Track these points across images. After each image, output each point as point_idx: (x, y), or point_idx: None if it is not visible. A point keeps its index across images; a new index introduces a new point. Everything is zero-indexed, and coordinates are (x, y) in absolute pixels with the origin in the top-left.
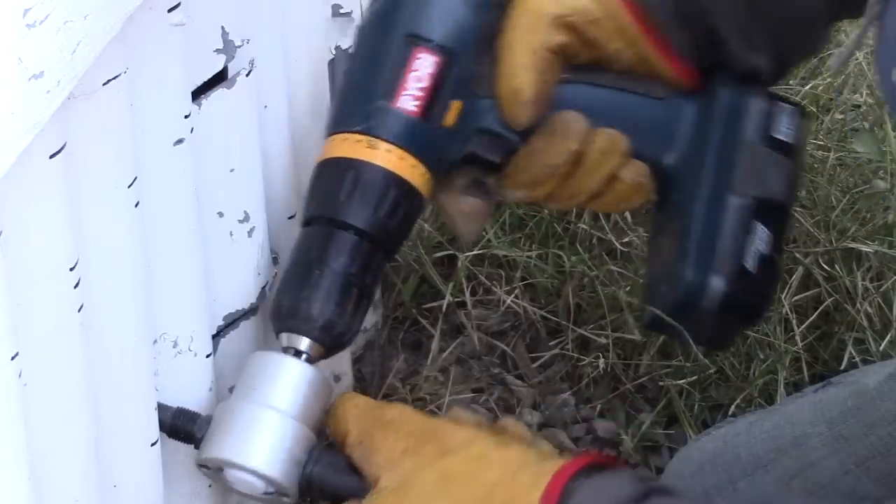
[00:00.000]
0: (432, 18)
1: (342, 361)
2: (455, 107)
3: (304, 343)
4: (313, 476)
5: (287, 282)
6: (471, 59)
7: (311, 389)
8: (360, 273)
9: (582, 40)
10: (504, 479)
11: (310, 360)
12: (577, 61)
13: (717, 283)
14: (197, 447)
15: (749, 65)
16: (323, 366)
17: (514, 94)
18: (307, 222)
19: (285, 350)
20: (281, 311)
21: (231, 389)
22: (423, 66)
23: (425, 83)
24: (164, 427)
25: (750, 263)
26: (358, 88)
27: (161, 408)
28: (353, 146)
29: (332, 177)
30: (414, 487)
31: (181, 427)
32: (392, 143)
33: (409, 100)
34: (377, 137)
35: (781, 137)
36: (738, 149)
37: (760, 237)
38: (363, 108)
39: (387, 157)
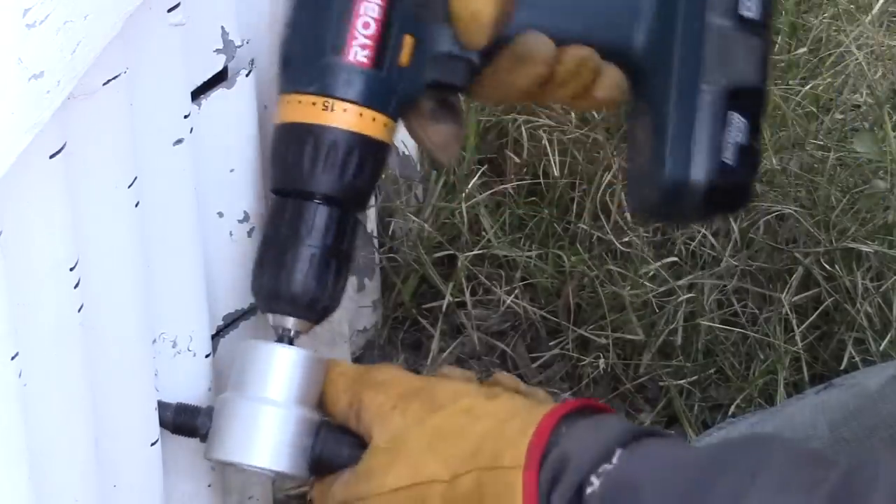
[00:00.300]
0: None
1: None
2: (408, 42)
3: (290, 321)
4: (322, 455)
5: (264, 261)
6: None
7: (305, 372)
8: (335, 242)
9: None
10: (493, 431)
11: (299, 335)
12: None
13: (696, 182)
14: (202, 440)
15: None
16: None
17: (472, 17)
18: (275, 192)
19: (274, 329)
20: (262, 292)
21: None
22: (369, 10)
23: (373, 29)
24: (166, 424)
25: (728, 156)
26: (305, 41)
27: (161, 405)
28: (308, 109)
29: (293, 145)
30: (406, 445)
31: (184, 423)
32: (348, 100)
33: (358, 51)
34: (332, 97)
35: (748, 14)
36: (704, 35)
37: (737, 127)
38: (313, 65)
39: (344, 117)
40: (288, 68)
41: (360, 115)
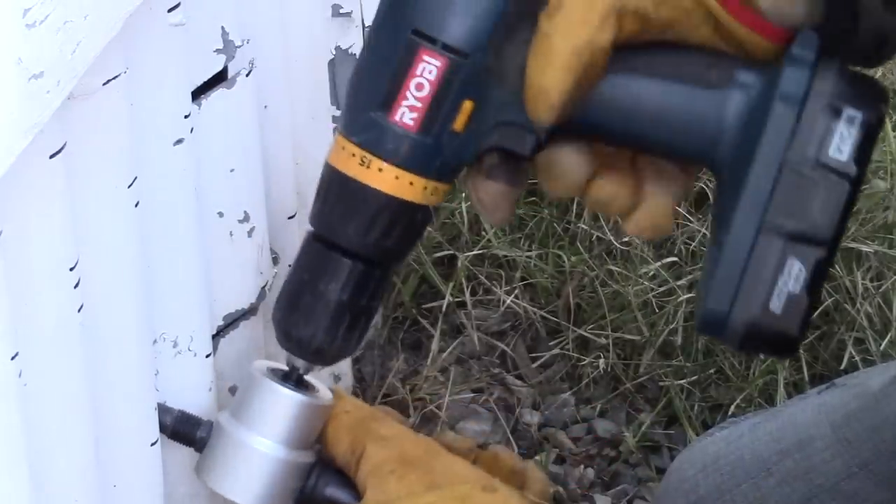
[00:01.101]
0: (443, 12)
1: (342, 362)
2: (466, 108)
3: (299, 361)
4: (315, 495)
5: (282, 298)
6: (488, 55)
7: (305, 418)
8: (353, 297)
9: (644, 25)
10: None
11: (309, 371)
12: (635, 43)
13: (734, 323)
14: (198, 450)
15: (877, 30)
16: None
17: (541, 94)
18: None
19: (286, 360)
20: (276, 326)
21: (231, 390)
22: (426, 72)
23: (426, 91)
24: (164, 429)
25: (776, 304)
26: (360, 90)
27: (163, 409)
28: (348, 160)
29: (329, 190)
30: None
31: (182, 432)
32: (386, 161)
33: (406, 112)
34: (371, 154)
35: (838, 157)
36: (781, 172)
37: (794, 275)
38: (361, 115)
39: (379, 177)
40: (343, 109)
41: (397, 177)
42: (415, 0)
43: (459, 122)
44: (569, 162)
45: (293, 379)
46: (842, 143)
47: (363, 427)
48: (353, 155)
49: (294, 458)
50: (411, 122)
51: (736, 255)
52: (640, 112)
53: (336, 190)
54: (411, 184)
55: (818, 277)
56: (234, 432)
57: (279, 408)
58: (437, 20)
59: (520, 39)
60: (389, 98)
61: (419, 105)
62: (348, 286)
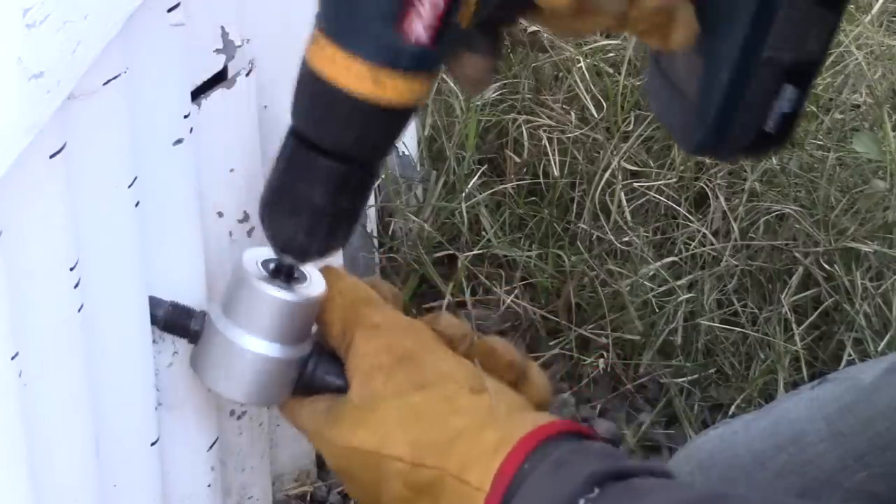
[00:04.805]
0: None
1: None
2: (471, 2)
3: (286, 257)
4: (314, 380)
5: (266, 196)
6: None
7: (297, 314)
8: (335, 200)
9: None
10: (468, 433)
11: (298, 263)
12: None
13: (733, 144)
14: (192, 342)
15: None
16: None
17: None
18: (293, 126)
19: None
20: (261, 223)
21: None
22: None
23: (440, 7)
24: (157, 322)
25: (770, 124)
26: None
27: (154, 302)
28: (355, 78)
29: (328, 103)
30: (378, 411)
31: (175, 322)
32: (403, 78)
33: (420, 29)
34: (385, 72)
35: None
36: (780, 5)
37: (788, 98)
38: (369, 29)
39: (393, 94)
40: (336, 16)
41: (411, 91)
42: None
43: (465, 18)
44: None
45: (283, 273)
46: None
47: (354, 312)
48: (363, 75)
49: (287, 355)
50: (427, 40)
51: (733, 88)
52: None
53: (340, 105)
54: (422, 93)
55: (808, 93)
56: (226, 331)
57: (269, 308)
58: None
59: None
60: (403, 12)
61: (433, 22)
62: (331, 188)
